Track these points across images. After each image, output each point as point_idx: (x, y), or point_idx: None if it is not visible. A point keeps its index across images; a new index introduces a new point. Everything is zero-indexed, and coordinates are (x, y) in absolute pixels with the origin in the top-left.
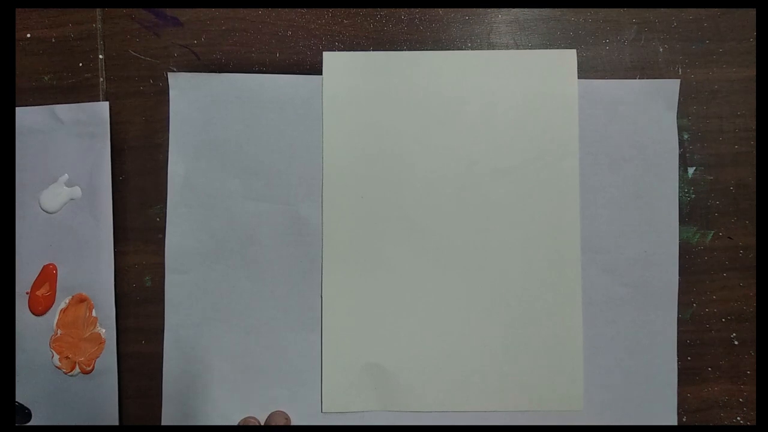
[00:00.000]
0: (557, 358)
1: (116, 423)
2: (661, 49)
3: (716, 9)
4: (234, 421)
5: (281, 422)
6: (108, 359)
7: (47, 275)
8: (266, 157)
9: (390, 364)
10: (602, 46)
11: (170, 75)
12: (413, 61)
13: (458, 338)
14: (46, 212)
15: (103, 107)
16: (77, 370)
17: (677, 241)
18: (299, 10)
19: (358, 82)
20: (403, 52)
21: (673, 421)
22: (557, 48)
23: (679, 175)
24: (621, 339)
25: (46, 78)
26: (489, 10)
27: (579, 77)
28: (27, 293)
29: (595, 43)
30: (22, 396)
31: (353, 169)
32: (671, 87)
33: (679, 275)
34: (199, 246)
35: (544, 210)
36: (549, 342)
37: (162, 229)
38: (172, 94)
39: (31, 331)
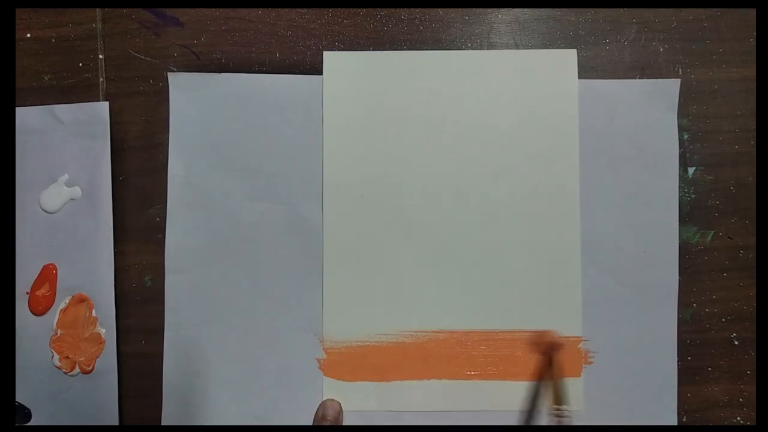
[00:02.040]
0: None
1: (116, 423)
2: (661, 49)
3: (716, 9)
4: (233, 421)
5: (332, 411)
6: (108, 359)
7: (47, 275)
8: (266, 157)
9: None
10: (602, 46)
11: (170, 75)
12: (413, 61)
13: (458, 338)
14: (46, 212)
15: (103, 107)
16: (77, 370)
17: (677, 241)
18: (299, 10)
19: (358, 82)
20: (403, 52)
21: (673, 421)
22: (557, 48)
23: (679, 175)
24: (621, 339)
25: (46, 78)
26: (489, 10)
27: (579, 77)
28: (27, 293)
29: (595, 43)
30: (22, 396)
31: (353, 169)
32: (671, 87)
33: (679, 275)
34: (199, 246)
35: (544, 210)
36: None
37: (162, 229)
38: (172, 94)
39: (31, 331)
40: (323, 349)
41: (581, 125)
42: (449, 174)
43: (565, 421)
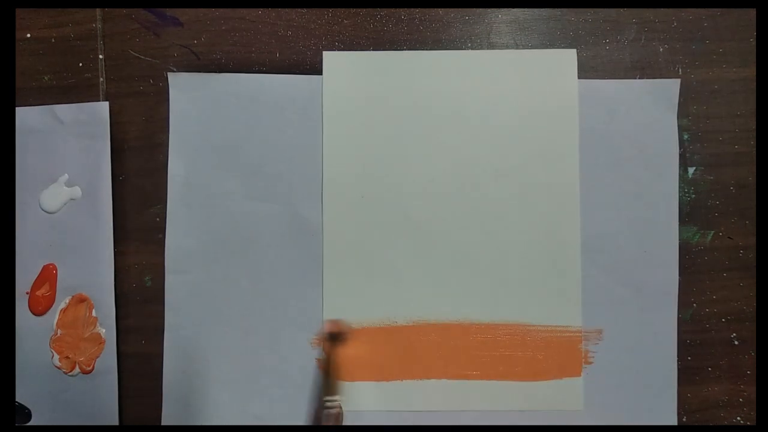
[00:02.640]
0: (557, 358)
1: (116, 423)
2: (661, 49)
3: (716, 9)
4: (233, 421)
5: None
6: (108, 359)
7: (47, 275)
8: (266, 157)
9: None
10: (602, 46)
11: (170, 75)
12: (413, 61)
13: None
14: (46, 212)
15: (103, 107)
16: (77, 370)
17: (677, 241)
18: (299, 10)
19: (358, 82)
20: (403, 52)
21: (673, 421)
22: (557, 48)
23: (679, 175)
24: (621, 339)
25: (46, 78)
26: (489, 10)
27: (579, 77)
28: (27, 293)
29: (595, 43)
30: (22, 396)
31: (353, 169)
32: (671, 87)
33: (679, 275)
34: (199, 246)
35: (545, 210)
36: (549, 342)
37: (162, 229)
38: (172, 94)
39: (31, 331)
40: (323, 348)
41: (581, 125)
42: (449, 174)
43: (333, 413)
